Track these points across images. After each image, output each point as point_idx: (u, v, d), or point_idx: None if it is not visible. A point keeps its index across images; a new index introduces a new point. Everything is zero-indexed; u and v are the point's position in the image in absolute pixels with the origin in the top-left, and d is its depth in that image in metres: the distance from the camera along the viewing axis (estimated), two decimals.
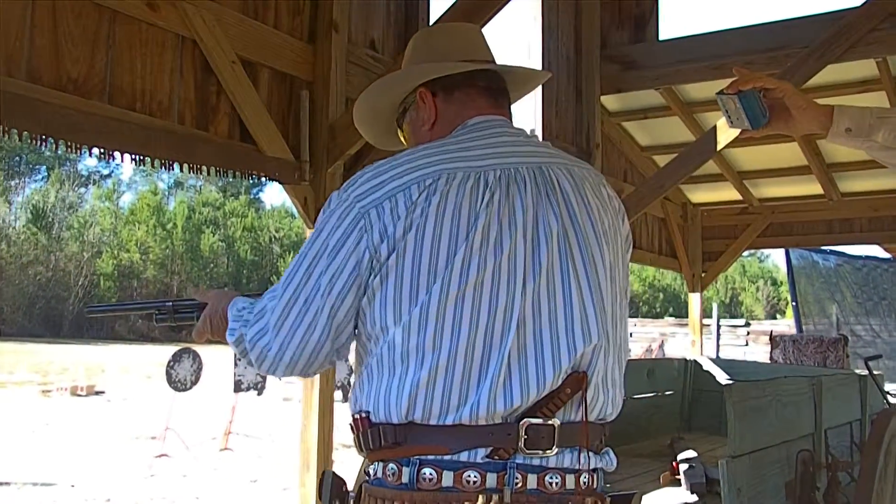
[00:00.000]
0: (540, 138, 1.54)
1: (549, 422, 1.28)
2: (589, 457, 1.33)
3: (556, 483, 1.28)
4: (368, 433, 1.32)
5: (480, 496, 1.23)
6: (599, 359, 1.33)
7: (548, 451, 1.27)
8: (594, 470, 1.35)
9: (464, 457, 1.26)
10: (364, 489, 1.33)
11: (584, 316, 1.33)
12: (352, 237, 1.32)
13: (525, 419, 1.27)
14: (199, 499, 6.99)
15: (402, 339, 1.30)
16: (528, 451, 1.26)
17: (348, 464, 6.90)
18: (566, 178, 1.42)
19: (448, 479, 1.25)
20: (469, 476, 1.25)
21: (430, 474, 1.26)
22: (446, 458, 1.26)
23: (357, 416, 1.34)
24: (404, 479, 1.27)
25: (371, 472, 1.34)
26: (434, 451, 1.27)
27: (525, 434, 1.26)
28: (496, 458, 1.26)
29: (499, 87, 1.55)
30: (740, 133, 1.70)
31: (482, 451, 1.26)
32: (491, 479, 1.25)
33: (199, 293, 1.64)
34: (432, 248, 1.30)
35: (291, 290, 1.36)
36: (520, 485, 1.25)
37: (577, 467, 1.30)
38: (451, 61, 1.51)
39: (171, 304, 1.66)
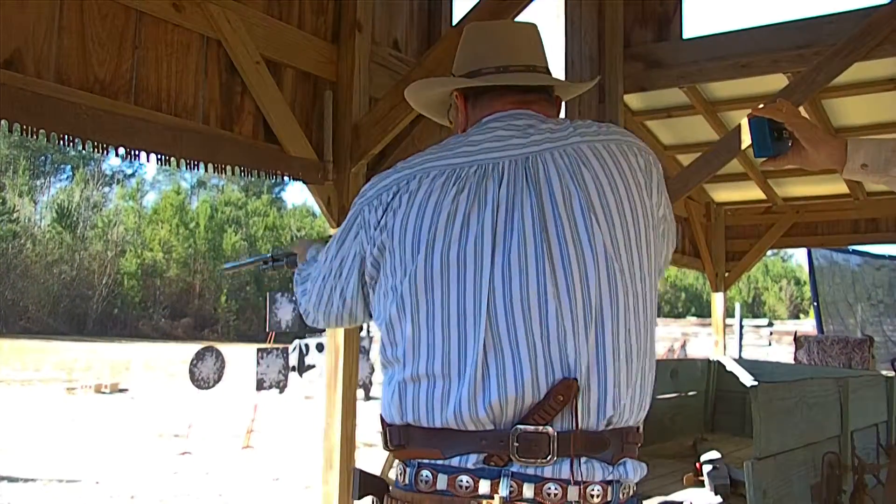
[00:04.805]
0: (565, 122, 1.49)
1: (542, 429, 1.23)
2: (594, 467, 1.26)
3: (557, 494, 1.22)
4: (382, 433, 1.39)
5: (472, 501, 1.23)
6: (598, 361, 1.27)
7: (544, 461, 1.23)
8: (609, 482, 1.27)
9: (455, 462, 1.26)
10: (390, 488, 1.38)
11: (560, 316, 1.27)
12: (353, 229, 1.48)
13: (517, 426, 1.24)
14: (222, 496, 7.03)
15: (390, 340, 1.35)
16: (522, 460, 1.23)
17: (370, 463, 6.93)
18: (557, 165, 1.35)
19: (443, 482, 1.27)
20: (461, 481, 1.25)
21: (427, 476, 1.28)
22: (439, 462, 1.28)
23: (381, 415, 1.41)
24: (407, 480, 1.32)
25: (395, 470, 1.39)
26: (429, 455, 1.29)
27: (517, 442, 1.23)
28: (490, 464, 1.25)
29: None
30: (763, 163, 1.73)
31: (474, 458, 1.25)
32: (484, 486, 1.24)
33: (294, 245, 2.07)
34: (402, 247, 1.35)
35: (317, 271, 1.61)
36: (515, 493, 1.22)
37: (579, 478, 1.24)
38: (488, 67, 1.50)
39: (270, 255, 2.27)
